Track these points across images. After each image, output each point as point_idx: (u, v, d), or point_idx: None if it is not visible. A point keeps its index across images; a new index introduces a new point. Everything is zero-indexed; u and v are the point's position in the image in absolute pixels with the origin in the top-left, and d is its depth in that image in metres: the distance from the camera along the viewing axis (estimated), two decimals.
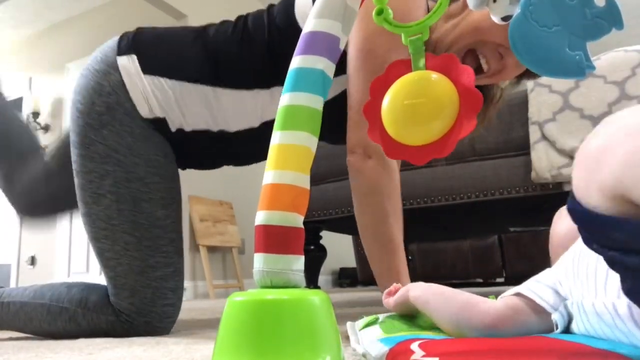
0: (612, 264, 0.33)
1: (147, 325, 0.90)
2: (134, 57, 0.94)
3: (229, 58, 0.94)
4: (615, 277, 0.39)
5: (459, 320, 0.50)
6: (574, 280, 0.46)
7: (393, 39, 0.81)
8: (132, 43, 0.96)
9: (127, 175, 0.91)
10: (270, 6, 0.97)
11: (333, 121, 0.85)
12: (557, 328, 0.46)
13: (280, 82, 0.92)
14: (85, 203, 0.94)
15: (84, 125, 0.93)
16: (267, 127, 0.96)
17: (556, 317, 0.47)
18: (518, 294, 0.50)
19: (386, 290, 0.66)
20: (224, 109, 0.95)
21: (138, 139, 0.93)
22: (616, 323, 0.39)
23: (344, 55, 0.87)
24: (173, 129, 0.96)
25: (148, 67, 0.94)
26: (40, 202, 1.17)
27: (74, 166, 0.96)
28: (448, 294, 0.54)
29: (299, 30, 0.90)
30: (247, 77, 0.94)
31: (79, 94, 0.96)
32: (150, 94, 0.93)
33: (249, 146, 1.00)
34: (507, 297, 0.51)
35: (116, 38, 0.99)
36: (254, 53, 0.93)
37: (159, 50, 0.97)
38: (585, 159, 0.33)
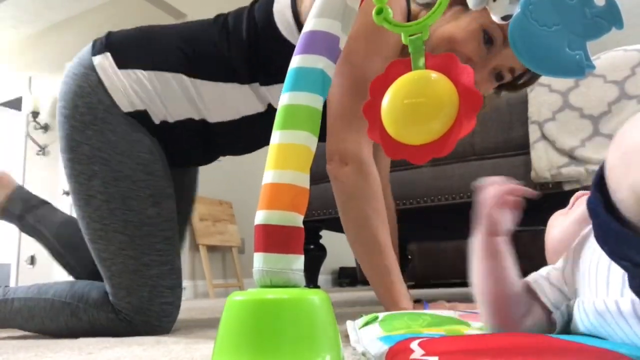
0: (622, 266, 0.33)
1: (145, 324, 0.90)
2: (108, 54, 0.96)
3: (206, 51, 0.95)
4: (617, 276, 0.39)
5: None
6: (581, 278, 0.46)
7: (372, 45, 0.82)
8: (105, 42, 0.98)
9: (114, 174, 0.92)
10: (253, 3, 0.97)
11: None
12: (556, 327, 0.47)
13: (260, 80, 0.93)
14: (78, 207, 0.95)
15: (69, 128, 0.95)
16: (247, 121, 0.97)
17: (556, 316, 0.47)
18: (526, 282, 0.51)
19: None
20: (203, 99, 0.95)
21: (121, 136, 0.93)
22: (617, 321, 0.39)
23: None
24: (157, 121, 0.97)
25: (122, 62, 0.95)
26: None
27: (65, 172, 0.97)
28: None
29: (277, 30, 0.91)
30: (225, 71, 0.94)
31: (62, 100, 0.98)
32: (128, 87, 0.94)
33: (233, 138, 1.01)
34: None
35: (90, 43, 1.01)
36: (231, 49, 0.94)
37: (132, 45, 0.98)
38: (625, 150, 0.30)
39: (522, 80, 0.89)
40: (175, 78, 0.95)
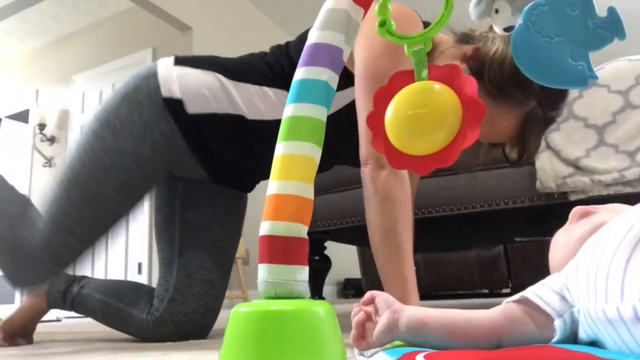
0: None
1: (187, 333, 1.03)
2: (172, 57, 1.08)
3: (249, 66, 1.05)
4: (634, 280, 0.39)
5: (457, 338, 0.47)
6: (581, 285, 0.45)
7: (397, 59, 0.83)
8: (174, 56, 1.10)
9: (114, 145, 1.00)
10: (287, 43, 1.05)
11: (337, 134, 0.87)
12: (556, 335, 0.46)
13: None
14: (69, 154, 1.04)
15: (112, 97, 1.05)
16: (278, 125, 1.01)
17: (557, 324, 0.46)
18: (521, 300, 0.49)
19: (357, 305, 0.52)
20: (242, 97, 1.02)
21: (144, 121, 1.01)
22: (630, 329, 0.38)
23: (347, 70, 0.90)
24: (190, 111, 1.02)
25: (180, 62, 1.07)
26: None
27: (84, 129, 1.07)
28: (443, 313, 0.50)
29: None
30: (266, 78, 1.03)
31: (123, 83, 1.08)
32: (175, 77, 1.03)
33: (270, 142, 1.03)
34: (504, 305, 0.49)
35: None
36: (271, 67, 1.03)
37: (194, 57, 1.11)
38: None
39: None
40: (219, 79, 1.03)
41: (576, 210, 0.59)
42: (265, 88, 1.02)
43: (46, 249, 0.98)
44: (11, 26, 4.31)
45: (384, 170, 0.84)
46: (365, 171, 0.86)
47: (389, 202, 0.84)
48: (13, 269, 1.00)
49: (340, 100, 0.96)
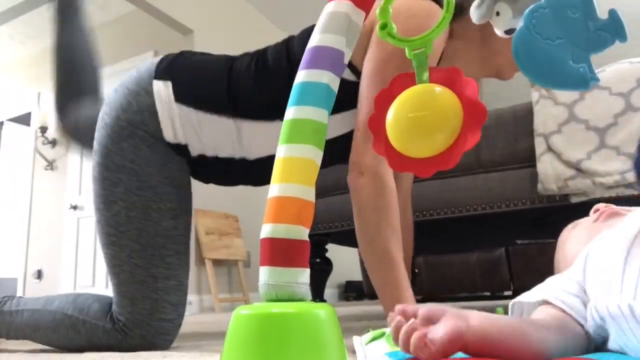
0: None
1: (142, 339, 0.90)
2: (169, 83, 0.97)
3: (247, 92, 0.96)
4: (632, 278, 0.38)
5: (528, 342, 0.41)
6: (589, 283, 0.45)
7: (403, 66, 0.83)
8: (169, 68, 0.99)
9: (140, 184, 0.94)
10: (290, 38, 0.99)
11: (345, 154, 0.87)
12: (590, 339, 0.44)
13: None
14: (98, 209, 0.96)
15: (105, 136, 0.97)
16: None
17: (589, 327, 0.44)
18: (548, 303, 0.47)
19: (394, 322, 0.40)
20: (245, 138, 0.96)
21: (156, 152, 0.96)
22: (631, 326, 0.38)
23: (353, 86, 0.89)
24: (194, 154, 0.99)
25: (180, 96, 0.96)
26: (85, 140, 1.16)
27: (92, 173, 0.99)
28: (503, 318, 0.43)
29: None
30: (266, 109, 0.95)
31: (107, 106, 1.00)
32: (178, 121, 0.96)
33: (269, 169, 1.00)
34: (544, 309, 0.46)
35: (155, 60, 1.02)
36: (271, 86, 0.95)
37: (193, 80, 0.99)
38: None
39: None
40: (220, 121, 0.95)
41: (602, 208, 0.57)
42: (269, 123, 0.95)
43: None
44: (13, 29, 4.32)
45: (364, 178, 0.84)
46: (349, 178, 0.87)
47: (369, 210, 0.84)
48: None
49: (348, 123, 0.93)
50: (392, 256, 0.82)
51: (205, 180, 1.09)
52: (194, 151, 0.98)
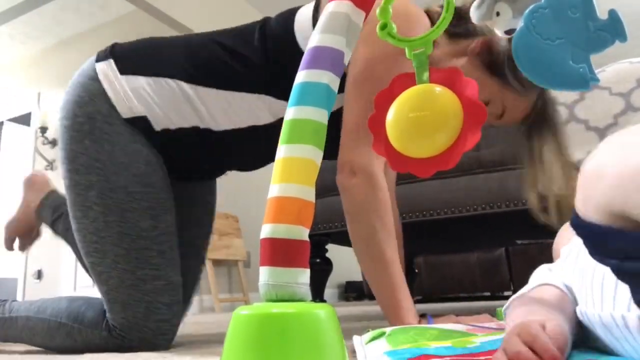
0: (618, 273, 0.34)
1: (141, 341, 0.88)
2: (111, 61, 0.96)
3: (214, 61, 0.94)
4: (624, 290, 0.39)
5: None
6: (581, 289, 0.46)
7: (394, 66, 0.82)
8: (109, 51, 0.98)
9: (110, 185, 0.91)
10: (267, 18, 0.98)
11: (330, 136, 0.85)
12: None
13: (275, 94, 0.92)
14: (75, 218, 0.93)
15: (68, 138, 0.95)
16: (255, 131, 0.95)
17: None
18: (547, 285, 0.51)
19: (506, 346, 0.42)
20: (207, 107, 0.94)
21: (119, 146, 0.93)
22: (625, 335, 0.39)
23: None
24: (157, 128, 0.95)
25: (126, 68, 0.95)
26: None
27: (64, 183, 0.96)
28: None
29: (295, 43, 0.91)
30: (232, 81, 0.93)
31: (62, 110, 0.98)
32: (129, 92, 0.94)
33: (241, 148, 0.99)
34: (549, 286, 0.51)
35: (95, 55, 1.01)
36: (238, 58, 0.93)
37: (136, 53, 0.98)
38: (583, 181, 0.35)
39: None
40: (178, 85, 0.94)
41: None
42: (236, 93, 0.93)
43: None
44: (13, 29, 4.32)
45: (356, 178, 0.82)
46: (339, 179, 0.84)
47: (363, 212, 0.83)
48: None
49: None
50: (387, 258, 0.81)
51: (187, 174, 1.05)
52: (157, 125, 0.95)
